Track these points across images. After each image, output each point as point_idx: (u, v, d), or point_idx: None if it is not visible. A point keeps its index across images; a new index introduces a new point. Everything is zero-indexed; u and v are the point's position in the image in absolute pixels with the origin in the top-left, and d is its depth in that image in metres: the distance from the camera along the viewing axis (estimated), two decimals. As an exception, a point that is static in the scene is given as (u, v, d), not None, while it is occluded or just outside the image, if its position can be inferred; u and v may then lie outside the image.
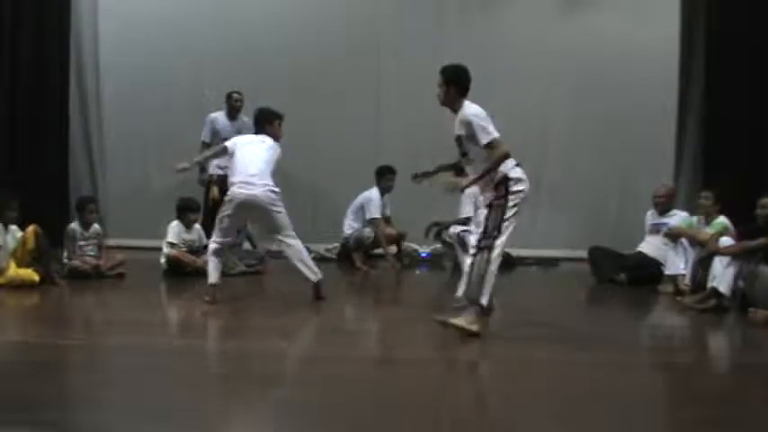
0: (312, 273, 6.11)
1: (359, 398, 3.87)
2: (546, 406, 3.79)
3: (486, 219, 5.08)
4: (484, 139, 5.06)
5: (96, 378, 4.14)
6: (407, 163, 9.03)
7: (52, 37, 9.46)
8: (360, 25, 9.49)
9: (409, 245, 9.05)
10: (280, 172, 6.44)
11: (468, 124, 5.11)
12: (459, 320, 4.98)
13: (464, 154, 5.31)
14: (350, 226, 8.72)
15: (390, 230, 8.80)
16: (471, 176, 5.25)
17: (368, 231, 8.62)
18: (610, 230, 9.11)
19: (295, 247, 6.10)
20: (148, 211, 9.09)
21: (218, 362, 4.67)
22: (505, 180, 5.08)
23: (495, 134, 5.08)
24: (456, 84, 5.27)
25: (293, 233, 6.11)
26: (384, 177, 8.75)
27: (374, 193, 8.72)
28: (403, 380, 4.20)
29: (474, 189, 8.31)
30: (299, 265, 6.10)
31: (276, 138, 6.33)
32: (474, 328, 4.94)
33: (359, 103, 9.37)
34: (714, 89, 8.96)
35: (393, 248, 8.78)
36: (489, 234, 5.01)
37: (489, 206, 5.11)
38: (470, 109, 5.18)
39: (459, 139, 5.27)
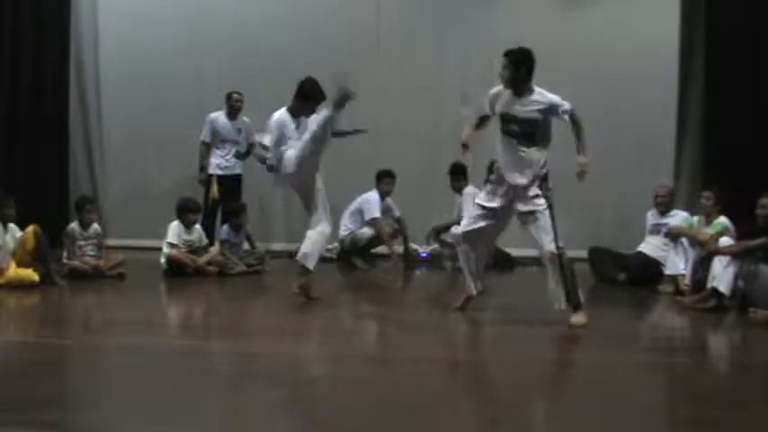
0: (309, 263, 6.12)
1: (359, 398, 3.87)
2: (546, 406, 3.79)
3: (552, 220, 5.47)
4: (568, 108, 5.47)
5: (96, 378, 4.15)
6: (407, 163, 9.09)
7: (52, 37, 9.45)
8: (360, 25, 9.48)
9: (409, 245, 9.04)
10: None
11: (554, 104, 5.41)
12: (578, 320, 5.35)
13: (527, 135, 5.46)
14: (346, 227, 8.71)
15: (388, 229, 8.77)
16: (584, 147, 5.70)
17: (360, 232, 8.61)
18: (610, 230, 9.09)
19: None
20: (148, 211, 9.09)
21: (218, 362, 4.67)
22: (546, 177, 5.54)
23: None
24: (525, 65, 5.42)
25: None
26: (382, 181, 8.76)
27: (373, 194, 8.72)
28: (403, 380, 4.20)
29: (474, 189, 8.37)
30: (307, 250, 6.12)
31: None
32: (585, 320, 5.37)
33: (358, 102, 9.33)
34: (714, 89, 8.94)
35: (397, 247, 8.78)
36: (557, 235, 5.42)
37: (550, 207, 5.48)
38: (550, 94, 5.45)
39: (528, 121, 5.43)
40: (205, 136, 8.56)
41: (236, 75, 9.05)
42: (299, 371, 4.47)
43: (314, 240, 6.10)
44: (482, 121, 5.72)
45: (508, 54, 5.43)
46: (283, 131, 6.24)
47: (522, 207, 5.47)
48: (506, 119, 5.47)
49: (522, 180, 5.44)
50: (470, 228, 5.62)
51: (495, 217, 5.57)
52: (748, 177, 8.21)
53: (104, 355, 4.70)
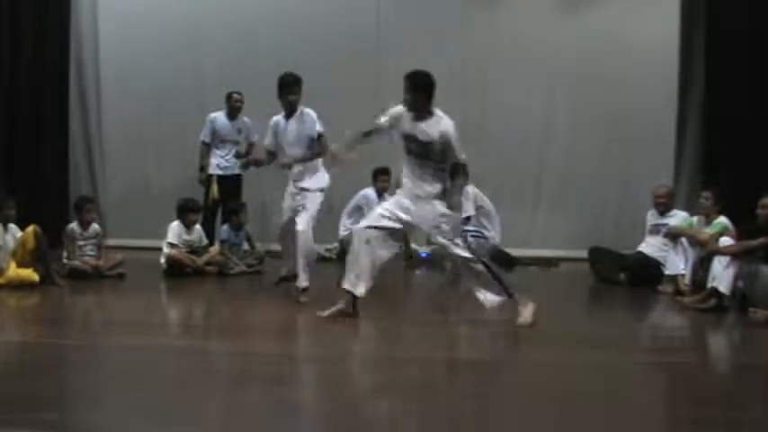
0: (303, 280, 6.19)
1: (359, 398, 3.87)
2: (546, 406, 3.78)
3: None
4: (461, 155, 5.39)
5: (96, 378, 4.14)
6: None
7: (52, 37, 9.45)
8: (360, 25, 9.48)
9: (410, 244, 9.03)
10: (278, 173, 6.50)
11: (446, 138, 5.35)
12: (525, 319, 5.31)
13: (426, 155, 5.44)
14: (345, 227, 8.71)
15: None
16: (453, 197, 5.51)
17: None
18: (610, 230, 9.10)
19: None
20: (148, 211, 9.09)
21: (218, 362, 4.67)
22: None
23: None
24: (424, 89, 5.45)
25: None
26: (378, 179, 8.77)
27: (370, 191, 8.74)
28: (403, 380, 4.19)
29: (473, 189, 8.39)
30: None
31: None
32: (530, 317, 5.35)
33: (358, 103, 9.33)
34: (714, 89, 8.95)
35: None
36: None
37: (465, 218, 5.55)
38: (447, 122, 5.41)
39: (423, 143, 5.41)
40: (205, 136, 8.56)
41: (236, 75, 9.05)
42: (299, 371, 4.48)
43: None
44: (367, 135, 5.69)
45: (408, 77, 5.45)
46: (276, 131, 6.38)
47: (427, 224, 5.46)
48: (407, 138, 5.49)
49: (422, 192, 5.44)
50: (373, 224, 5.49)
51: (400, 222, 5.50)
52: (748, 177, 8.22)
53: (104, 355, 4.70)
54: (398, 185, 5.70)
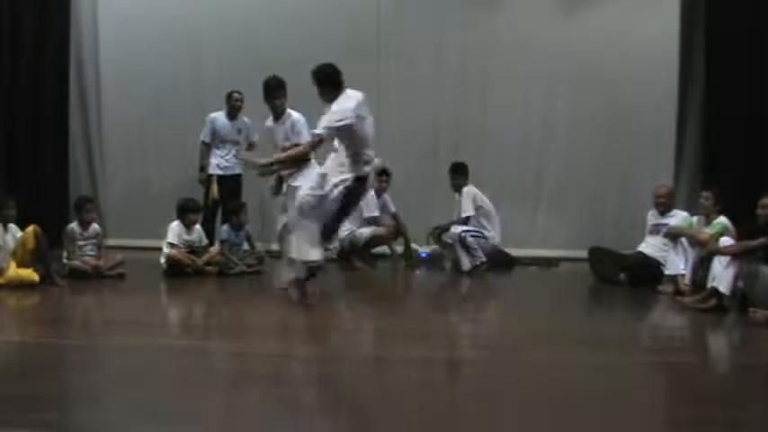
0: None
1: (359, 398, 3.87)
2: (546, 406, 3.79)
3: None
4: (319, 129, 5.64)
5: (96, 378, 4.14)
6: (407, 163, 9.10)
7: (52, 37, 9.45)
8: (360, 25, 9.48)
9: (411, 244, 9.04)
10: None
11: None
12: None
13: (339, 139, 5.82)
14: (345, 227, 8.69)
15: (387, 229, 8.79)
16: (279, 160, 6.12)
17: (359, 232, 8.61)
18: (610, 230, 9.10)
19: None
20: (148, 211, 9.08)
21: (218, 362, 4.67)
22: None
23: (323, 132, 5.62)
24: (325, 80, 5.78)
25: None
26: (376, 179, 8.76)
27: (369, 192, 8.74)
28: (402, 380, 4.20)
29: (473, 188, 8.40)
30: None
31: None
32: None
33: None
34: (714, 89, 8.94)
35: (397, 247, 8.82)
36: None
37: None
38: (338, 103, 5.68)
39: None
40: (205, 136, 8.56)
41: (236, 75, 9.04)
42: (299, 371, 4.48)
43: None
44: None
45: (312, 74, 5.80)
46: (270, 135, 6.62)
47: None
48: None
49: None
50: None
51: None
52: (748, 177, 8.21)
53: (104, 355, 4.70)
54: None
